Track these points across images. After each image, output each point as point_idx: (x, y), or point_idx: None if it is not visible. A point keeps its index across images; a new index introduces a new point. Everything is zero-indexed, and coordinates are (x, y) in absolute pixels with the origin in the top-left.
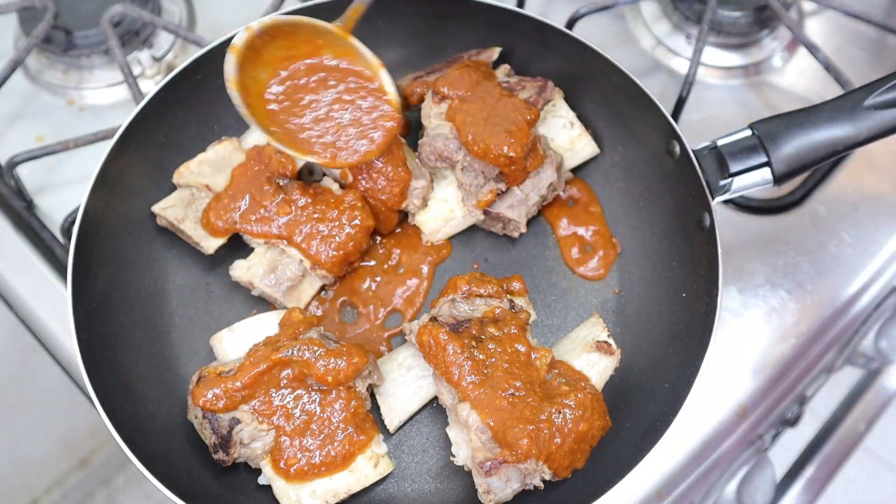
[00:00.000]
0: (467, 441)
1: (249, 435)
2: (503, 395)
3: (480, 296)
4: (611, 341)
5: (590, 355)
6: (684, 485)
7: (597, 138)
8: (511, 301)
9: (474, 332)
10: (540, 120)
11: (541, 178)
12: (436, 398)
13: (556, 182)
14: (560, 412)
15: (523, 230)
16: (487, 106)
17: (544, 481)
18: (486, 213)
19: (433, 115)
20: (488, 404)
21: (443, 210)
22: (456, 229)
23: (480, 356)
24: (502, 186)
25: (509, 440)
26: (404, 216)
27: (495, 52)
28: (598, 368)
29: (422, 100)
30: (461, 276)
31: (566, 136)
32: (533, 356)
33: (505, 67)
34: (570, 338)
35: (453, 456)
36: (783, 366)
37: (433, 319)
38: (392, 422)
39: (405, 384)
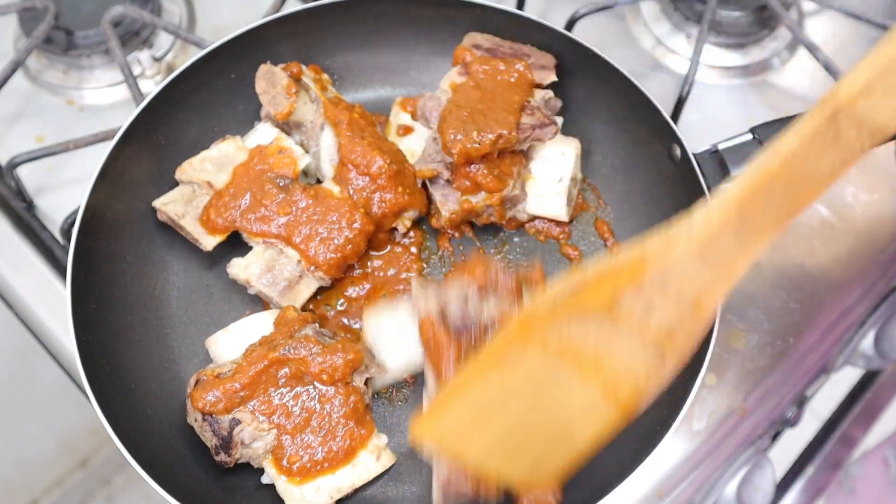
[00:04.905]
0: None
1: (250, 435)
2: None
3: (496, 290)
4: None
5: None
6: (684, 484)
7: (597, 140)
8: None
9: (474, 342)
10: (539, 157)
11: (478, 197)
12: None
13: (494, 208)
14: None
15: (441, 223)
16: (486, 101)
17: None
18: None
19: (449, 79)
20: None
21: None
22: None
23: None
24: (445, 173)
25: None
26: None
27: (551, 74)
28: None
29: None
30: (486, 260)
31: (548, 185)
32: None
33: (547, 93)
34: None
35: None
36: (783, 366)
37: (441, 312)
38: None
39: (398, 341)
